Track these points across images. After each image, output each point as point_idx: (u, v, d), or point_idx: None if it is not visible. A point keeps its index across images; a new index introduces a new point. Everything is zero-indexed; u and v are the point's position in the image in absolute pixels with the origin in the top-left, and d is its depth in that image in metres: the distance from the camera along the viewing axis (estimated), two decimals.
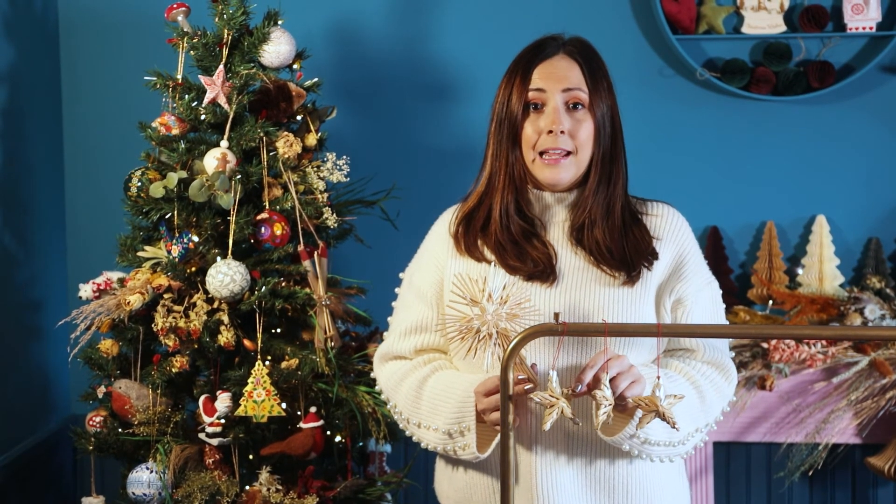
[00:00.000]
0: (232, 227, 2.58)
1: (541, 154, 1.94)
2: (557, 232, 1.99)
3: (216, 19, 2.68)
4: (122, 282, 2.68)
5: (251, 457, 2.65)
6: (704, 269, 2.04)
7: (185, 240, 2.58)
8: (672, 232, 2.01)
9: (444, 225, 2.08)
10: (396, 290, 2.15)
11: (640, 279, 1.95)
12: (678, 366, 1.97)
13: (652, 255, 1.96)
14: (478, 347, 1.79)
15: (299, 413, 2.62)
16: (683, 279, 1.98)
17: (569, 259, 1.97)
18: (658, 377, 1.75)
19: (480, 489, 2.00)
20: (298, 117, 2.75)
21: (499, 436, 1.88)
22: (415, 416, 1.99)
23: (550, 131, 1.92)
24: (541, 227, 2.00)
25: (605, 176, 1.97)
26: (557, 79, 1.93)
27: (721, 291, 2.05)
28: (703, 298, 2.00)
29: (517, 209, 1.98)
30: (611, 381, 1.77)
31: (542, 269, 1.94)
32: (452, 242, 2.03)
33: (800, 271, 3.28)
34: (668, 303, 1.98)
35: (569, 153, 1.94)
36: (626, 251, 1.95)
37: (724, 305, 2.09)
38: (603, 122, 1.95)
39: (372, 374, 2.15)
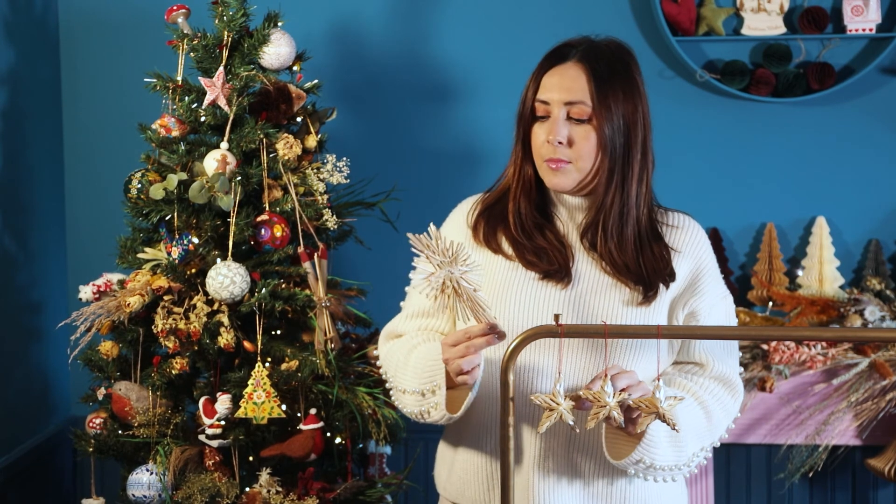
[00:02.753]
0: (232, 228, 2.58)
1: (546, 160, 1.94)
2: (573, 234, 1.99)
3: (216, 21, 2.68)
4: (122, 283, 2.68)
5: (251, 458, 2.65)
6: (720, 283, 2.02)
7: (185, 241, 2.58)
8: (691, 245, 1.99)
9: (463, 215, 2.08)
10: (410, 274, 2.15)
11: (657, 297, 1.94)
12: (685, 384, 1.96)
13: (670, 276, 1.94)
14: (438, 297, 1.78)
15: (299, 415, 2.62)
16: (698, 294, 1.97)
17: (584, 263, 1.96)
18: (658, 378, 1.74)
19: (473, 486, 2.01)
20: (298, 119, 2.75)
21: (469, 395, 1.88)
22: (400, 383, 2.00)
23: (549, 140, 1.92)
24: (559, 223, 2.00)
25: (619, 189, 1.93)
26: (561, 90, 1.92)
27: (735, 307, 2.03)
28: (716, 313, 1.98)
29: (536, 206, 1.98)
30: (621, 391, 1.76)
31: (556, 269, 1.94)
32: (470, 233, 2.03)
33: (800, 273, 3.28)
34: (680, 316, 1.97)
35: (568, 161, 1.93)
36: (642, 268, 1.93)
37: (737, 321, 2.07)
38: (611, 134, 1.91)
39: (380, 369, 2.14)
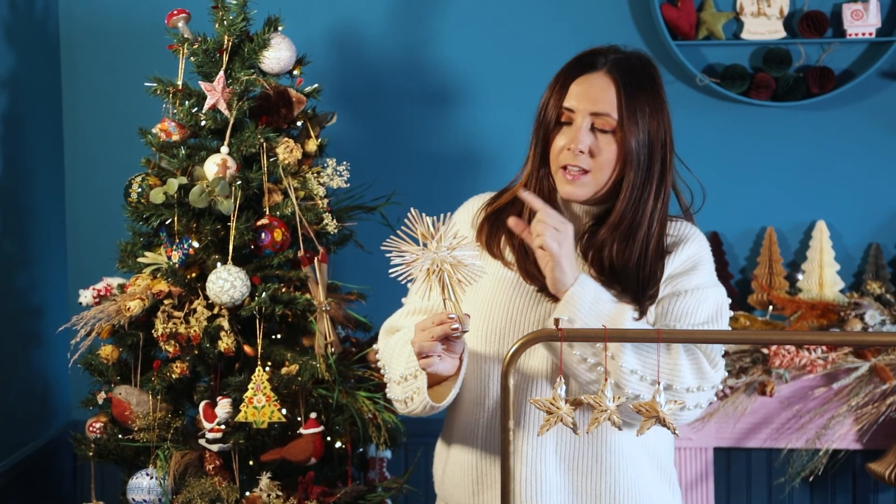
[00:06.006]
0: (232, 232, 2.58)
1: (563, 168, 1.92)
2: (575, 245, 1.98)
3: (216, 25, 2.68)
4: (122, 288, 2.68)
5: (251, 463, 2.65)
6: (710, 274, 2.00)
7: (186, 245, 2.58)
8: (687, 244, 1.97)
9: (468, 214, 2.07)
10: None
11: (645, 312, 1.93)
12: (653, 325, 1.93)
13: (652, 298, 1.92)
14: (416, 277, 1.76)
15: (299, 419, 2.62)
16: (685, 274, 1.95)
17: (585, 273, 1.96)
18: (658, 382, 1.74)
19: (461, 489, 2.01)
20: (298, 123, 2.75)
21: (454, 387, 1.87)
22: (392, 374, 1.99)
23: (570, 148, 1.91)
24: None
25: (636, 204, 1.92)
26: (589, 100, 1.90)
27: (729, 300, 2.01)
28: (701, 296, 1.95)
29: None
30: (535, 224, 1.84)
31: None
32: (473, 234, 2.02)
33: (800, 277, 3.28)
34: (662, 292, 1.95)
35: (586, 171, 1.91)
36: (635, 284, 1.91)
37: (731, 314, 2.05)
38: (638, 148, 1.90)
39: (378, 362, 2.13)
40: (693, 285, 1.95)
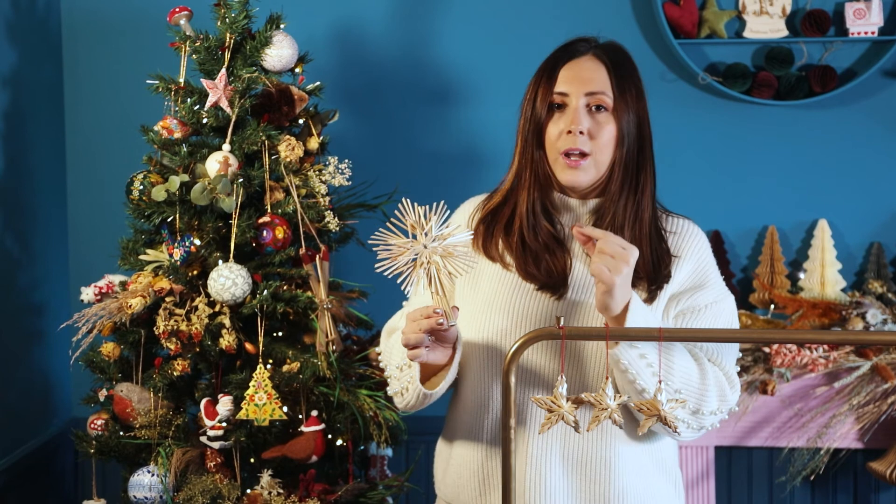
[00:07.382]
0: (234, 230, 2.58)
1: (565, 155, 1.92)
2: (573, 239, 1.98)
3: (218, 23, 2.68)
4: (123, 285, 2.68)
5: (252, 460, 2.65)
6: (721, 283, 2.01)
7: (187, 243, 2.58)
8: (691, 249, 1.98)
9: (464, 216, 2.08)
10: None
11: (654, 300, 1.93)
12: (689, 349, 1.94)
13: (666, 278, 1.94)
14: (403, 271, 1.74)
15: (301, 417, 2.62)
16: (700, 289, 1.96)
17: (581, 269, 1.96)
18: (660, 381, 1.74)
19: (467, 490, 2.01)
20: (300, 121, 2.75)
21: (448, 375, 1.88)
22: (391, 369, 1.99)
23: (570, 131, 1.91)
24: (561, 230, 1.99)
25: (631, 183, 1.94)
26: (581, 81, 1.92)
27: (736, 308, 2.02)
28: (718, 311, 1.97)
29: (543, 209, 1.97)
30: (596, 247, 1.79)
31: (553, 281, 1.93)
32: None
33: (801, 276, 3.28)
34: (672, 313, 1.96)
35: (586, 154, 1.91)
36: (643, 270, 1.92)
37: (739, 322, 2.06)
38: (628, 127, 1.93)
39: (381, 363, 2.13)
40: (710, 300, 1.97)
